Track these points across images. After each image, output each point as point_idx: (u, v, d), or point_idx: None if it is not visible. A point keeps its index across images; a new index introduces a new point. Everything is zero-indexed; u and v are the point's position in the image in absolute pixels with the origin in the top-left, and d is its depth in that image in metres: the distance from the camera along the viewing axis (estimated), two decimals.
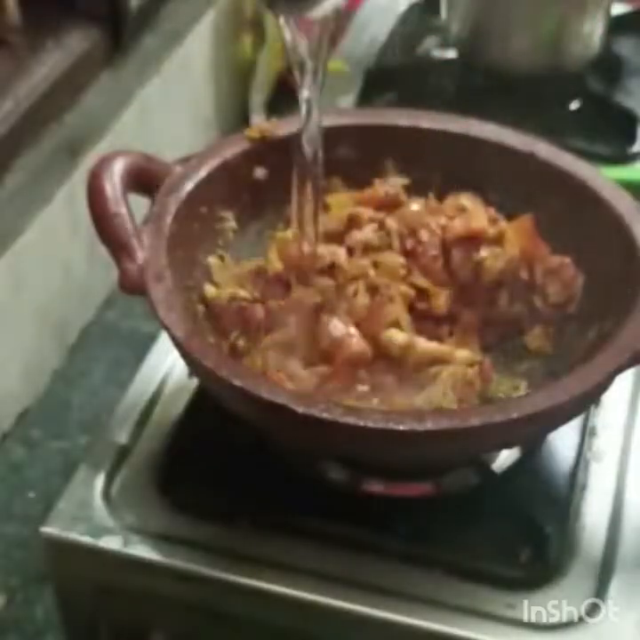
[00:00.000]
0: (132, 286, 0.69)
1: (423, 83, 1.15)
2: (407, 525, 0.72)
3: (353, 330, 0.71)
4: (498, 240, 0.76)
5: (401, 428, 0.62)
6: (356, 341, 0.70)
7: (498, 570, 0.70)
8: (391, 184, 0.80)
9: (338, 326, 0.71)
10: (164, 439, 0.77)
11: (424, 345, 0.71)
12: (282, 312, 0.72)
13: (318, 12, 0.62)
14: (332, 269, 0.74)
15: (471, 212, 0.77)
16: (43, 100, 1.02)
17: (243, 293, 0.74)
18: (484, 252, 0.75)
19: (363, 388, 0.70)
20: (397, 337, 0.71)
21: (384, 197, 0.79)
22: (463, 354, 0.72)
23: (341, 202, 0.80)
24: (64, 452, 1.04)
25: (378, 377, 0.70)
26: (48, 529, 0.72)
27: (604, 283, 0.74)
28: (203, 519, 0.72)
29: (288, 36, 0.65)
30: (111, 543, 0.71)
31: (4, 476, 1.02)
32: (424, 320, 0.74)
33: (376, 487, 0.74)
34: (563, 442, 0.76)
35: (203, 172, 0.76)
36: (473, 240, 0.76)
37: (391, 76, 1.17)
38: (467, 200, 0.79)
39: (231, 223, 0.79)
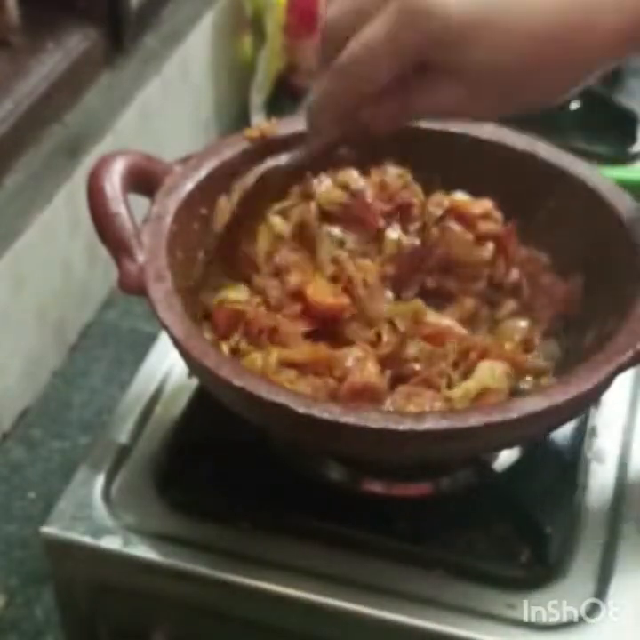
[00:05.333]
0: (132, 286, 0.69)
1: None
2: (407, 525, 0.72)
3: (370, 363, 0.68)
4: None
5: (400, 428, 0.61)
6: (367, 374, 0.67)
7: (498, 570, 0.70)
8: (389, 174, 0.79)
9: (352, 355, 0.68)
10: (164, 439, 0.77)
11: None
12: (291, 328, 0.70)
13: None
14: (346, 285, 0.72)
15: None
16: (43, 100, 1.02)
17: (243, 296, 0.73)
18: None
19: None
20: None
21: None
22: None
23: None
24: (64, 451, 1.04)
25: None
26: (48, 529, 0.72)
27: (604, 283, 0.74)
28: (203, 519, 0.72)
29: None
30: (111, 543, 0.71)
31: (4, 476, 1.02)
32: None
33: (376, 487, 0.74)
34: (563, 442, 0.76)
35: (203, 172, 0.76)
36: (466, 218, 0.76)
37: None
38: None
39: None
